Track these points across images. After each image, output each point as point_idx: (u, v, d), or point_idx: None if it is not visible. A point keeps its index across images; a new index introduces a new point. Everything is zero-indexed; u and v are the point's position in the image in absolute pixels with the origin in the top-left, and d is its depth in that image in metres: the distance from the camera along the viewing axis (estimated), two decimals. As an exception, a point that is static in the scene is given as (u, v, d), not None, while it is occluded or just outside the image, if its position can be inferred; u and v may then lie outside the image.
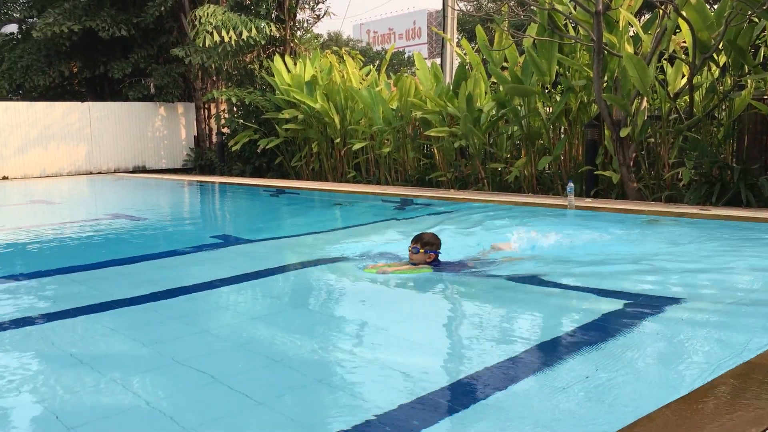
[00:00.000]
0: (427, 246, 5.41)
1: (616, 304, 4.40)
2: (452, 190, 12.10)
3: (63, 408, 2.95)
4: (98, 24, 19.50)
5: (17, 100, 21.53)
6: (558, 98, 11.56)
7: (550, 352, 3.53)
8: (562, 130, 11.77)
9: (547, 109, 11.80)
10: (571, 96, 11.04)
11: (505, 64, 12.16)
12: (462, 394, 3.00)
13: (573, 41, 10.82)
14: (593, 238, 6.97)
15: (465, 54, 13.28)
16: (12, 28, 23.93)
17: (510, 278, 5.22)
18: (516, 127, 11.98)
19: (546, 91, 11.67)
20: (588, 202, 9.65)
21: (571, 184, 9.25)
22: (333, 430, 2.64)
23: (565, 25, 11.14)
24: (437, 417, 2.75)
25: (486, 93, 12.78)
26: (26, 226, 9.47)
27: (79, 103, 19.98)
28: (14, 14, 22.74)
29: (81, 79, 22.05)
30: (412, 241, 5.48)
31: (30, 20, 22.64)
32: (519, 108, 11.64)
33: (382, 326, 4.16)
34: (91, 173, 19.95)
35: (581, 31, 10.75)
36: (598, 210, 8.92)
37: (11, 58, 21.17)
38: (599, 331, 3.86)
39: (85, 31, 19.59)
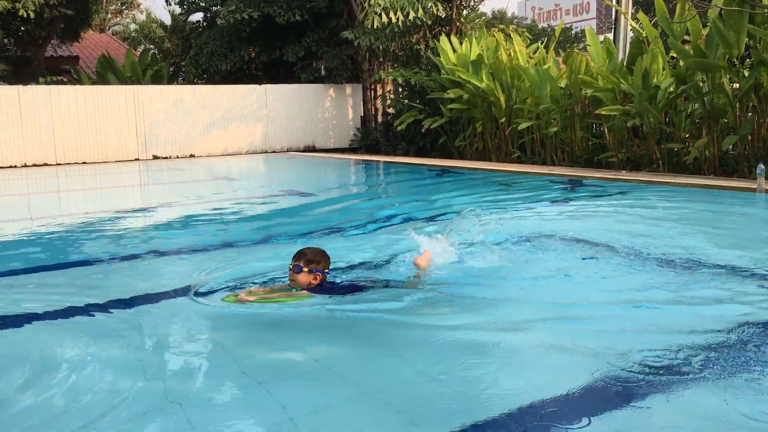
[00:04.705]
0: (312, 264, 4.25)
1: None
2: (624, 172, 11.58)
3: (250, 366, 3.21)
4: (275, 10, 20.59)
5: (202, 83, 23.29)
6: (747, 73, 10.65)
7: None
8: (750, 108, 10.84)
9: (734, 84, 10.92)
10: (762, 70, 10.12)
11: (686, 38, 11.38)
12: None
13: (766, 11, 9.90)
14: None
15: (641, 27, 12.58)
16: (198, 16, 25.90)
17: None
18: (697, 105, 11.22)
19: (733, 65, 10.79)
20: (780, 185, 8.85)
21: (761, 166, 8.53)
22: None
23: (758, -7, 10.22)
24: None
25: (664, 69, 12.05)
26: (210, 201, 10.27)
27: (257, 85, 21.25)
28: (201, 3, 24.51)
29: (258, 63, 23.39)
30: (293, 257, 4.32)
31: (214, 8, 24.31)
32: (701, 84, 10.87)
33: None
34: (266, 152, 21.21)
35: (777, -2, 9.82)
36: (791, 194, 8.16)
37: (198, 44, 22.92)
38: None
39: (263, 17, 20.76)
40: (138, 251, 6.19)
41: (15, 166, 17.60)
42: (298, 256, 4.29)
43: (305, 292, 4.24)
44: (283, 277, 4.61)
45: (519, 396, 2.76)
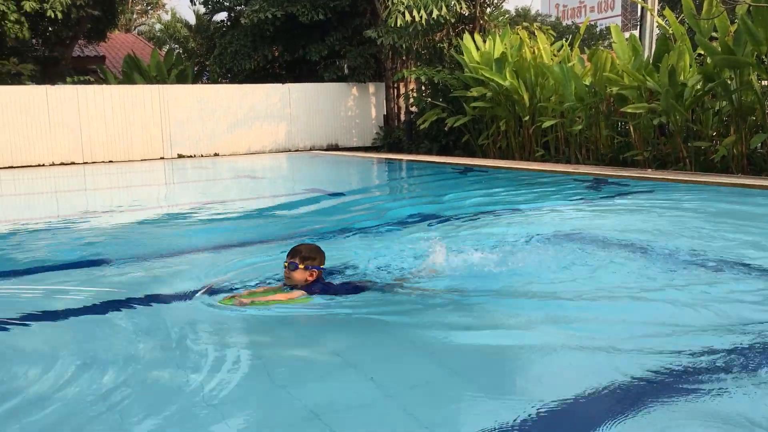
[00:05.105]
0: (307, 261, 4.24)
1: None
2: (649, 170, 11.45)
3: (270, 367, 3.23)
4: (298, 9, 20.65)
5: (226, 82, 23.44)
6: (776, 70, 10.49)
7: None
8: (779, 105, 10.67)
9: (762, 82, 10.75)
10: (793, 67, 9.96)
11: (714, 34, 11.22)
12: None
13: (797, 6, 9.73)
14: None
15: (668, 24, 12.43)
16: (222, 15, 26.05)
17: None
18: (725, 102, 11.06)
19: (761, 62, 10.62)
20: (810, 184, 8.70)
21: (790, 165, 8.39)
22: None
23: (788, -12, 10.04)
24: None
25: (691, 66, 11.90)
26: (233, 200, 10.34)
27: (280, 84, 21.33)
28: (225, 2, 24.66)
29: (282, 62, 23.49)
30: (288, 255, 4.31)
31: (238, 8, 24.45)
32: (729, 81, 10.71)
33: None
34: (289, 151, 21.28)
35: (808, -7, 9.64)
36: (822, 193, 8.02)
37: (222, 44, 23.05)
38: None
39: (286, 16, 20.84)
40: (154, 250, 6.21)
41: (43, 165, 17.86)
42: (293, 253, 4.28)
43: (303, 293, 4.18)
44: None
45: (541, 397, 2.74)
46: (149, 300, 4.37)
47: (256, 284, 4.58)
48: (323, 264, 4.37)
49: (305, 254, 4.26)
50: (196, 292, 4.45)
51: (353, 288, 4.33)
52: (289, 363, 3.28)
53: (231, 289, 4.46)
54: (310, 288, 4.21)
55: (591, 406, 2.67)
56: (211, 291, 4.44)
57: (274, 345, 3.57)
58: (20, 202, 11.26)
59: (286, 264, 4.26)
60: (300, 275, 4.21)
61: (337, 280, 4.55)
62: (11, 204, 11.16)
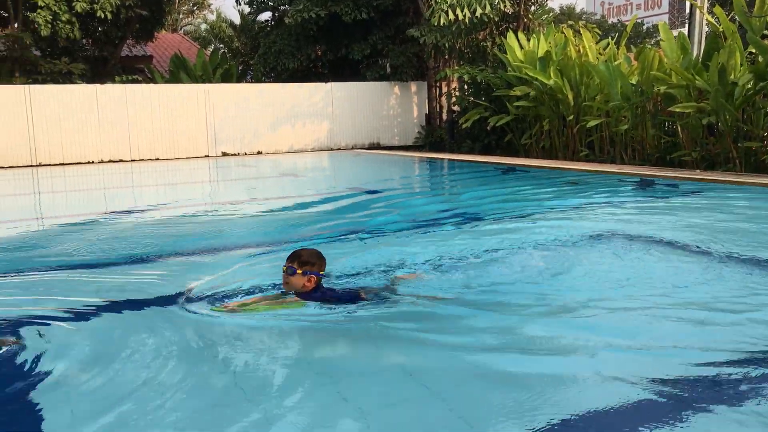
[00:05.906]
0: (306, 266, 4.05)
1: None
2: (698, 171, 11.22)
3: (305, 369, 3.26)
4: (342, 9, 20.78)
5: (270, 82, 23.69)
6: (832, 68, 10.18)
7: None
8: (835, 105, 10.36)
9: (818, 80, 10.45)
10: None
11: (766, 32, 10.95)
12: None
13: None
14: None
15: (717, 22, 12.15)
16: (266, 15, 26.37)
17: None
18: (777, 102, 10.78)
19: (817, 60, 10.32)
20: None
21: None
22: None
23: None
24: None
25: (741, 65, 11.62)
26: (275, 198, 10.44)
27: (323, 83, 21.49)
28: (269, 2, 24.94)
29: (324, 62, 23.65)
30: (287, 259, 4.13)
31: (282, 7, 24.69)
32: (782, 80, 10.44)
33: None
34: (331, 149, 21.43)
35: None
36: None
37: (266, 43, 23.33)
38: None
39: (330, 15, 20.98)
40: (180, 249, 6.23)
41: (92, 162, 18.31)
42: (292, 257, 4.12)
43: (296, 299, 4.03)
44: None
45: (571, 405, 2.69)
46: (147, 301, 4.31)
47: (253, 292, 4.40)
48: (323, 270, 4.19)
49: (304, 259, 4.10)
50: (205, 296, 4.37)
51: (354, 297, 4.16)
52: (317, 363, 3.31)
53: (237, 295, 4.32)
54: (308, 296, 4.06)
55: (624, 414, 2.62)
56: (218, 295, 4.32)
57: (287, 349, 3.49)
58: (75, 199, 11.57)
59: (285, 268, 4.10)
60: (298, 280, 4.05)
61: (346, 286, 4.40)
62: (64, 200, 11.47)
